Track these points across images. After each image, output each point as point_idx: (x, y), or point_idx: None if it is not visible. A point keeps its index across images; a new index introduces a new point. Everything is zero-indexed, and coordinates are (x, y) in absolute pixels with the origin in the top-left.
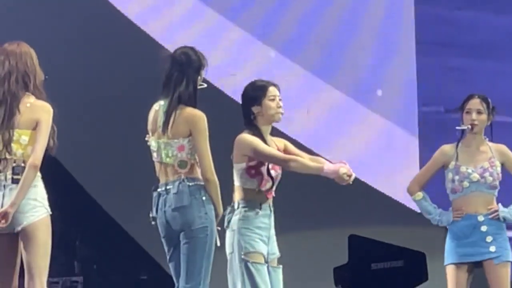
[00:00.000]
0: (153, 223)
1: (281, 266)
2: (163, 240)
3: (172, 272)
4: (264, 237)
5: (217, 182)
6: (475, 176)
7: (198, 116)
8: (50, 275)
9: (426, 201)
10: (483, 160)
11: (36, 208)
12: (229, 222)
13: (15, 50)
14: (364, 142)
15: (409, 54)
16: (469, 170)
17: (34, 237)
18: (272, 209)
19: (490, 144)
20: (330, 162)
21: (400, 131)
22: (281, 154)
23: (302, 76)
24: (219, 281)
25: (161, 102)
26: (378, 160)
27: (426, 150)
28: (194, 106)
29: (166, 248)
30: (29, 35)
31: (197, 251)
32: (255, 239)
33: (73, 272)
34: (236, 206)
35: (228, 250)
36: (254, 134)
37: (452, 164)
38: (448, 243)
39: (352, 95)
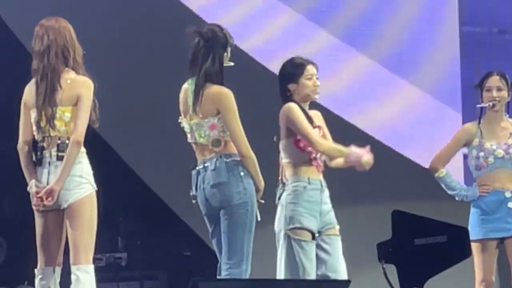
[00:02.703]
0: (193, 201)
1: (339, 236)
2: (204, 217)
3: (215, 248)
4: (314, 211)
5: (254, 157)
6: (500, 152)
7: (224, 94)
8: (94, 251)
9: (449, 177)
10: (505, 136)
11: (82, 185)
12: (279, 197)
13: (54, 25)
14: (408, 117)
15: None
16: (494, 147)
17: (79, 214)
18: (324, 183)
19: (511, 120)
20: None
21: (444, 106)
22: (313, 135)
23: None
24: (262, 256)
25: (189, 81)
26: (422, 134)
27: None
28: (221, 84)
29: (208, 225)
30: (72, 14)
31: (237, 227)
32: (303, 213)
33: (117, 248)
34: (286, 182)
35: (276, 225)
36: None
37: (476, 141)
38: (473, 219)
39: (395, 70)
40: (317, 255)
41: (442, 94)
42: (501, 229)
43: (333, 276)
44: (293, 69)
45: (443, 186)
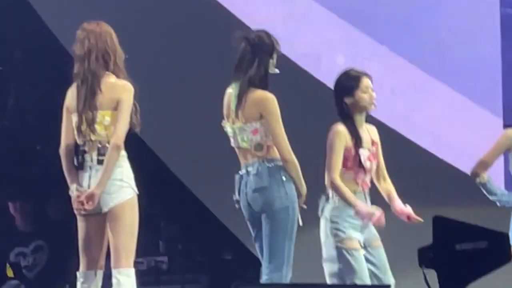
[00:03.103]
0: (236, 206)
1: (382, 247)
2: (247, 222)
3: (258, 253)
4: (356, 225)
5: (296, 162)
6: None
7: (267, 98)
8: (135, 254)
9: (491, 183)
10: None
11: (123, 189)
12: (322, 210)
13: (95, 29)
14: (449, 122)
15: None
16: None
17: (120, 218)
18: (368, 197)
19: None
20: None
21: (485, 112)
22: (334, 171)
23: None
24: (303, 261)
25: (233, 85)
26: (462, 139)
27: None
28: (266, 89)
29: (251, 230)
30: (115, 19)
31: (279, 231)
32: (348, 227)
33: (158, 252)
34: (330, 195)
35: (322, 238)
36: (347, 127)
37: None
38: None
39: (436, 74)
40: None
41: (483, 98)
42: None
43: None
44: (349, 82)
45: (484, 191)
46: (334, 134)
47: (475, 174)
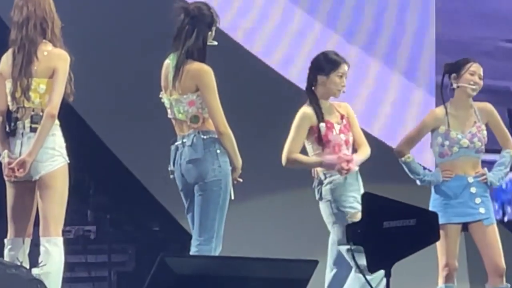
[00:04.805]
0: (171, 176)
1: None
2: (181, 193)
3: (189, 224)
4: (358, 198)
5: (231, 135)
6: (465, 142)
7: (204, 71)
8: (63, 223)
9: (415, 162)
10: (470, 125)
11: (54, 157)
12: (320, 194)
13: None
14: (380, 99)
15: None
16: (459, 136)
17: (51, 186)
18: (357, 170)
19: (475, 105)
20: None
21: (417, 88)
22: (286, 153)
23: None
24: (233, 234)
25: (171, 56)
26: (394, 117)
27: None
28: (203, 61)
29: (184, 201)
30: None
31: (210, 204)
32: (352, 201)
33: (86, 221)
34: (323, 177)
35: (328, 220)
36: (311, 106)
37: (442, 129)
38: (435, 204)
39: (370, 53)
40: None
41: (416, 75)
42: (464, 214)
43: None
44: (327, 63)
45: (406, 170)
46: (298, 117)
47: (400, 152)
